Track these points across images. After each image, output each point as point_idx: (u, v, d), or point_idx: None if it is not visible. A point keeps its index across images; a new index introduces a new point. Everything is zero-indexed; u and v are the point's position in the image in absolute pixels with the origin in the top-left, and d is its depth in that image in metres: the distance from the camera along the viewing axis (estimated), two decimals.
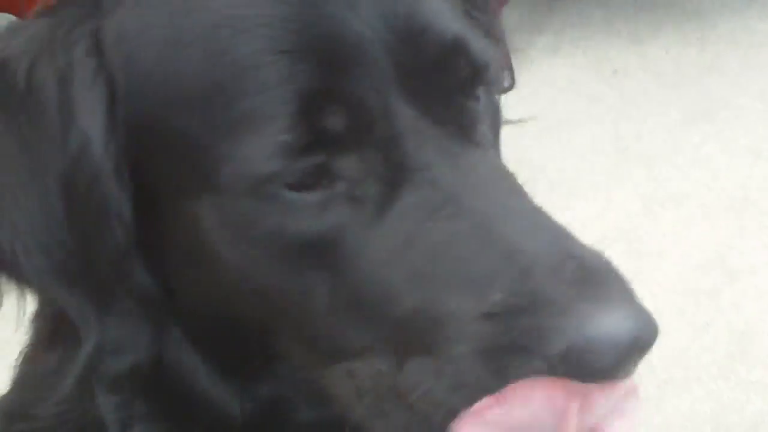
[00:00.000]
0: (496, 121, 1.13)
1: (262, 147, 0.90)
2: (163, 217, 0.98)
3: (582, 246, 0.92)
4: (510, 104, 1.03)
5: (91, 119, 0.94)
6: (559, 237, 0.92)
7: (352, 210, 0.92)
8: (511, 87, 1.16)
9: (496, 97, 1.11)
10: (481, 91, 1.01)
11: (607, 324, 0.83)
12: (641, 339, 0.85)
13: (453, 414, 0.88)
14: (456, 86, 0.98)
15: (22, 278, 1.01)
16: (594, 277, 0.87)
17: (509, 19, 3.61)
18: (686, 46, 3.62)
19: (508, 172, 1.00)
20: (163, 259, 1.00)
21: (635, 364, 0.87)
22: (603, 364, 0.83)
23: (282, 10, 0.93)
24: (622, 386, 0.88)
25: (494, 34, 1.14)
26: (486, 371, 0.86)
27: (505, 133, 1.00)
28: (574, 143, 3.28)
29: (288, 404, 1.06)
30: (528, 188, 0.99)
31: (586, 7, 3.77)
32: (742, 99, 3.40)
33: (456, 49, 0.98)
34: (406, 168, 0.92)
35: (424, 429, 0.92)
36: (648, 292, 2.98)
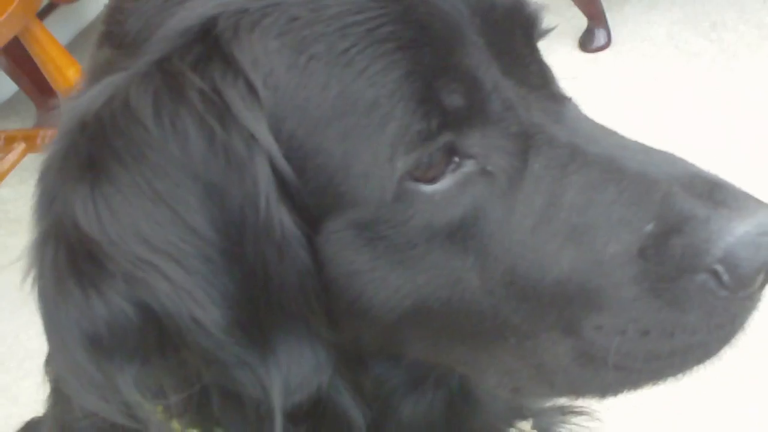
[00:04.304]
0: None
1: (394, 142, 0.88)
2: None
3: (696, 165, 0.95)
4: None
5: (265, 137, 0.89)
6: (677, 161, 0.95)
7: (487, 185, 0.93)
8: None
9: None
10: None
11: (754, 218, 0.88)
12: None
13: (656, 361, 0.92)
14: (528, 46, 0.99)
15: (195, 349, 0.90)
16: (721, 187, 0.91)
17: None
18: None
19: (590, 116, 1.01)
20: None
21: None
22: (764, 256, 0.87)
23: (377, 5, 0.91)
24: None
25: None
26: (662, 305, 0.90)
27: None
28: (676, 100, 3.23)
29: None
30: None
31: None
32: None
33: (517, 6, 0.99)
34: (524, 135, 0.93)
35: (629, 385, 0.96)
36: None
